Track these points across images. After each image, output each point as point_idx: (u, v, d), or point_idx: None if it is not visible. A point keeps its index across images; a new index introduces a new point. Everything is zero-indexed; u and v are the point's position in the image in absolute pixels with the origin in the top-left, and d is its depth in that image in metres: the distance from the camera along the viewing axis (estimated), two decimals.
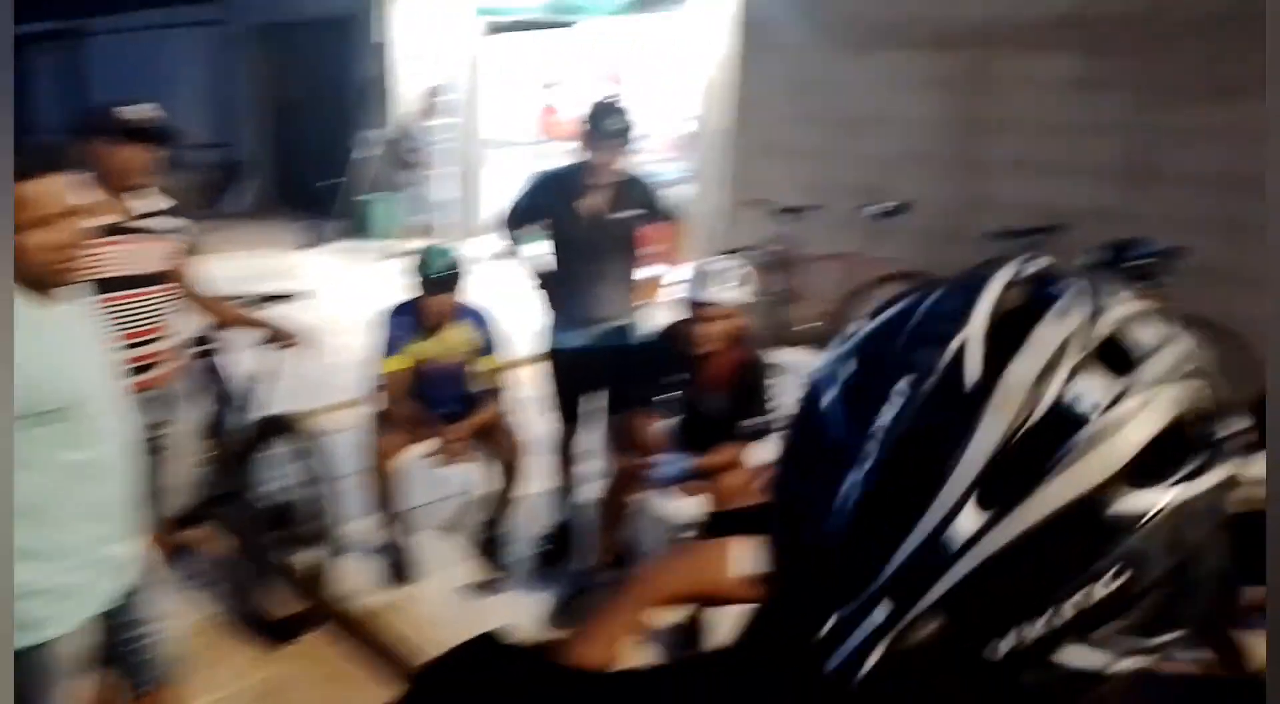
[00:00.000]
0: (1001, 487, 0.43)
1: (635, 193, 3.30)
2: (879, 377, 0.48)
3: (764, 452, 2.88)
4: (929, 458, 0.45)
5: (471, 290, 3.36)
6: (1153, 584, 0.44)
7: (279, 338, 3.21)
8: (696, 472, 2.89)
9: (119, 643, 2.06)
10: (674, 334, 2.97)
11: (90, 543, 1.87)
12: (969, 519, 0.43)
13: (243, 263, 8.42)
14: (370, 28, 9.27)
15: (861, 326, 0.52)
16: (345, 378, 4.05)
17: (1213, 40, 4.49)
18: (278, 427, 3.22)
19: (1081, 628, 0.44)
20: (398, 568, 3.28)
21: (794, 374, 3.57)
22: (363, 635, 3.05)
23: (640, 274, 3.41)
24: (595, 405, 3.43)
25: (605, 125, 3.13)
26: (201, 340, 3.35)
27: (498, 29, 9.41)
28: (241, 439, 3.28)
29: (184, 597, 3.15)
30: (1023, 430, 0.44)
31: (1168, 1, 4.65)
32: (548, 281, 3.41)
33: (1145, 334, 0.47)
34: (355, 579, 3.25)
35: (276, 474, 3.24)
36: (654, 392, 3.01)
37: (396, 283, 3.29)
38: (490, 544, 3.40)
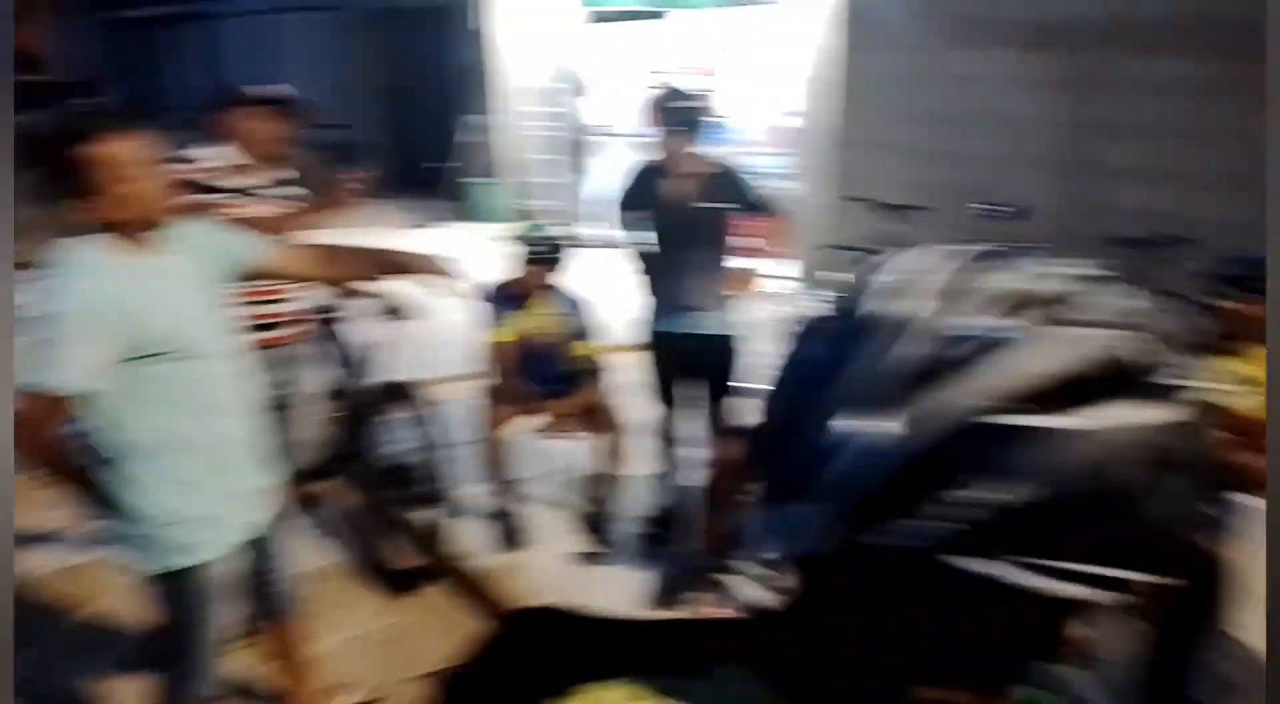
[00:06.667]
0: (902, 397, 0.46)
1: (724, 184, 3.24)
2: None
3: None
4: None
5: (570, 277, 3.45)
6: (1052, 508, 0.45)
7: (397, 309, 3.37)
8: None
9: (256, 574, 2.24)
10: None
11: (229, 476, 2.06)
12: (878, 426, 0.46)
13: (357, 239, 8.73)
14: (467, 15, 9.47)
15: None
16: (453, 353, 4.21)
17: None
18: (398, 393, 3.37)
19: (977, 539, 0.45)
20: (509, 534, 3.41)
21: None
22: (476, 593, 3.19)
23: (733, 265, 3.34)
24: (696, 392, 3.43)
25: (669, 115, 3.12)
26: (325, 308, 3.53)
27: (600, 19, 9.52)
28: (364, 403, 3.45)
29: (313, 543, 3.33)
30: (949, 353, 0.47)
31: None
32: (648, 268, 3.42)
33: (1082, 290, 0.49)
34: (469, 540, 3.40)
35: (396, 438, 3.40)
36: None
37: (500, 264, 3.41)
38: (595, 520, 3.51)
